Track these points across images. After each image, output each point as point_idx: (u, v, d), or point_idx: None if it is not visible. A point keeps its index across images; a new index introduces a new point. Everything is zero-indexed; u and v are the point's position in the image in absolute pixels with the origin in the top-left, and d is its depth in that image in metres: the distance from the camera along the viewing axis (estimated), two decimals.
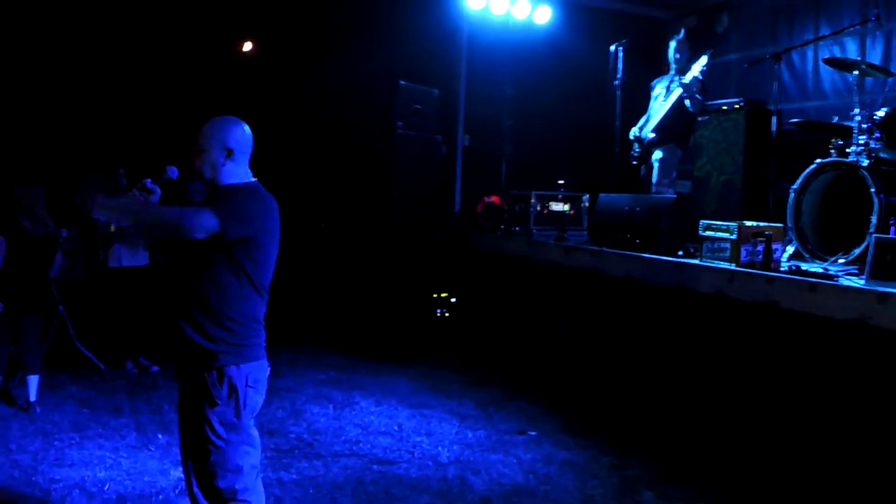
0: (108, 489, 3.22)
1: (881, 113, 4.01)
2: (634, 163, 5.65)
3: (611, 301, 4.54)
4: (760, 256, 3.74)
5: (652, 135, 5.51)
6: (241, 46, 7.81)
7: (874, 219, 3.66)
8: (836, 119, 4.57)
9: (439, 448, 3.79)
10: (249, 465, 2.20)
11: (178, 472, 3.26)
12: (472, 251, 6.17)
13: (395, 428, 4.08)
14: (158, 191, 2.24)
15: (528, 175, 6.42)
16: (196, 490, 2.24)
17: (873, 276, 3.20)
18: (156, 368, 5.03)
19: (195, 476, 2.23)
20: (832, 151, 4.15)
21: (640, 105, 5.78)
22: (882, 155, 3.95)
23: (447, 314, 5.84)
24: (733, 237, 3.78)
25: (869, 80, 5.10)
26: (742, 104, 5.00)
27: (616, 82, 5.54)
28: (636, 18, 7.24)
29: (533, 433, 4.01)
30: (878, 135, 3.96)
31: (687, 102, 5.26)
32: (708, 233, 3.94)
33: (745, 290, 3.61)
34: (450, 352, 5.67)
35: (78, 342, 4.90)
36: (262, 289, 2.25)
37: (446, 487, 3.33)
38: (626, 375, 4.33)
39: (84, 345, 4.91)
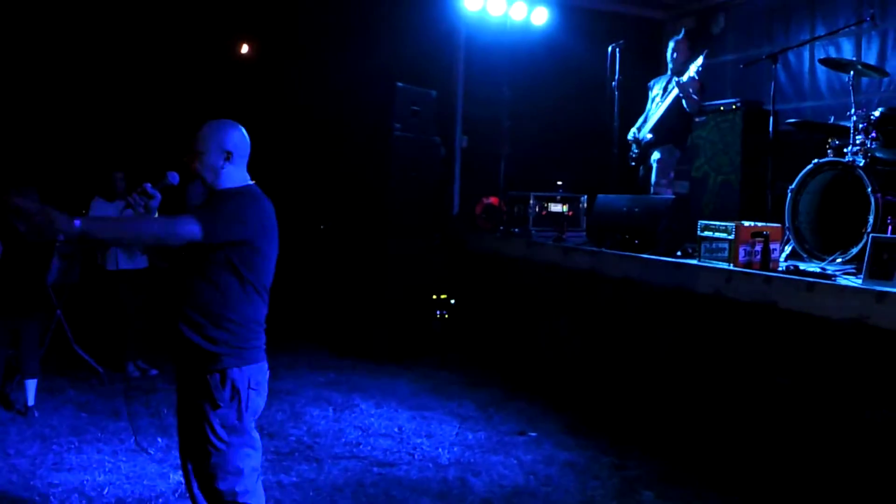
0: (106, 493, 3.21)
1: (877, 113, 4.03)
2: (633, 164, 5.67)
3: (610, 302, 4.55)
4: (758, 256, 3.75)
5: (650, 135, 5.52)
6: (239, 48, 7.81)
7: (871, 218, 3.68)
8: (832, 119, 4.59)
9: (439, 450, 3.79)
10: (250, 467, 2.20)
11: (177, 476, 3.25)
12: (471, 253, 6.17)
13: (396, 430, 4.07)
14: (159, 195, 2.23)
15: (527, 176, 6.43)
16: (196, 492, 2.24)
17: (871, 276, 3.22)
18: (154, 372, 5.02)
19: (196, 478, 2.22)
20: (829, 151, 4.17)
21: (638, 106, 5.79)
22: (878, 154, 3.97)
23: (446, 315, 5.84)
24: (731, 237, 3.79)
25: (865, 80, 5.13)
26: (739, 105, 5.03)
27: (613, 83, 5.55)
28: (633, 19, 7.26)
29: (533, 434, 4.02)
30: (874, 134, 3.98)
31: (684, 103, 5.28)
32: (706, 233, 3.95)
33: (743, 290, 3.62)
34: (449, 353, 5.67)
35: (76, 346, 4.89)
36: (263, 290, 2.25)
37: (447, 489, 3.33)
38: (626, 376, 4.33)
39: (82, 348, 4.90)
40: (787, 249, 4.13)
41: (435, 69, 6.45)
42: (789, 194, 4.10)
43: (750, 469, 3.44)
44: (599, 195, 5.25)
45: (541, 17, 6.66)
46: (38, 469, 3.43)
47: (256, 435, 2.25)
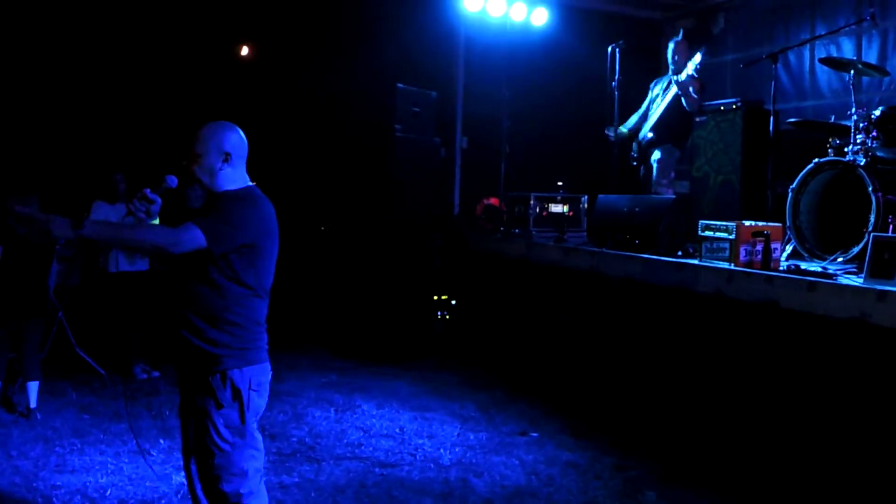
0: (109, 495, 3.21)
1: (878, 112, 4.03)
2: (634, 164, 5.67)
3: (611, 302, 4.55)
4: (759, 256, 3.75)
5: (650, 134, 5.52)
6: (240, 51, 7.82)
7: (872, 217, 3.67)
8: (833, 118, 4.59)
9: (441, 450, 3.79)
10: (254, 468, 2.20)
11: (179, 477, 3.26)
12: (472, 253, 6.17)
13: (397, 430, 4.08)
14: (159, 200, 2.23)
15: (527, 177, 6.43)
16: (200, 494, 2.24)
17: (872, 275, 3.22)
18: (156, 374, 5.02)
19: (199, 480, 2.23)
20: (830, 151, 4.17)
21: (638, 106, 5.80)
22: (879, 154, 3.97)
23: (447, 316, 5.85)
24: (732, 237, 3.79)
25: (865, 79, 5.13)
26: (739, 104, 5.02)
27: (613, 83, 5.56)
28: (633, 20, 7.27)
29: (535, 434, 4.02)
30: (875, 134, 3.98)
31: (683, 101, 5.28)
32: (707, 233, 3.95)
33: (744, 289, 3.62)
34: (450, 354, 5.67)
35: (78, 348, 4.89)
36: (264, 292, 2.25)
37: (448, 490, 3.33)
38: (627, 376, 4.33)
39: (84, 351, 4.91)
40: (788, 249, 4.12)
41: (435, 70, 6.46)
42: (790, 194, 4.10)
43: (751, 469, 3.43)
44: (600, 195, 5.26)
45: (540, 18, 6.66)
46: (41, 471, 3.44)
47: (259, 436, 2.25)
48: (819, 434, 3.21)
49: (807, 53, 6.07)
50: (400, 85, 5.73)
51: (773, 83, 4.38)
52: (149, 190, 2.24)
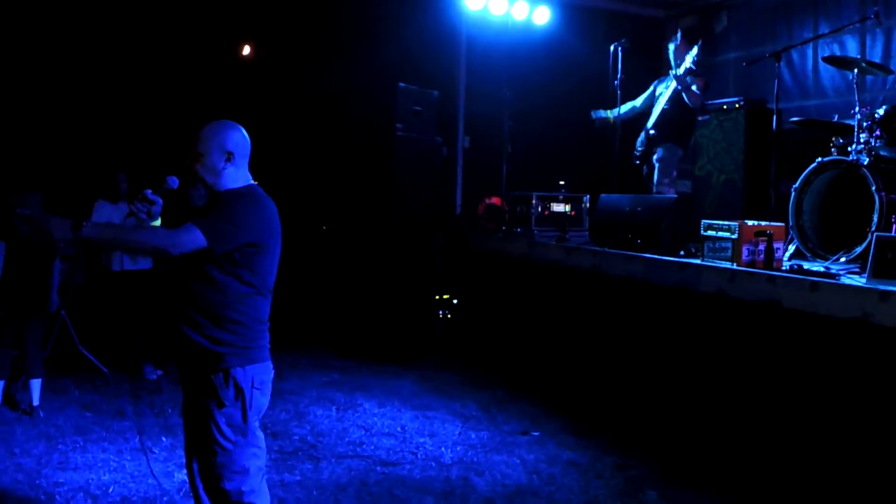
0: (112, 492, 3.22)
1: (881, 111, 4.01)
2: (637, 163, 5.66)
3: (612, 301, 4.54)
4: (762, 255, 3.74)
5: (652, 132, 5.51)
6: (242, 50, 7.83)
7: (875, 217, 3.66)
8: (836, 117, 4.58)
9: (443, 449, 3.80)
10: (256, 467, 2.20)
11: (182, 475, 3.27)
12: (474, 252, 6.17)
13: (399, 429, 4.08)
14: (160, 201, 2.24)
15: (529, 176, 6.42)
16: (202, 492, 2.24)
17: (875, 275, 3.21)
18: (159, 372, 5.04)
19: (201, 478, 2.23)
20: (833, 150, 4.16)
21: (643, 110, 5.78)
22: (883, 153, 3.95)
23: (449, 316, 5.85)
24: (735, 236, 3.78)
25: (869, 78, 5.12)
26: (742, 103, 5.01)
27: (616, 82, 5.55)
28: (635, 18, 7.25)
29: (536, 434, 4.02)
30: (878, 133, 3.97)
31: (684, 96, 5.27)
32: (709, 232, 3.94)
33: (746, 289, 3.61)
34: (452, 353, 5.67)
35: (81, 346, 4.91)
36: (266, 290, 2.25)
37: (450, 488, 3.34)
38: (629, 375, 4.33)
39: (87, 349, 4.92)
40: (791, 248, 4.11)
41: (437, 69, 6.46)
42: (793, 193, 4.09)
43: (753, 469, 3.43)
44: (602, 195, 5.25)
45: (542, 17, 6.65)
46: (44, 468, 3.45)
47: (261, 434, 2.25)
48: (821, 434, 3.21)
49: (810, 52, 6.05)
50: (401, 84, 5.73)
51: (776, 82, 4.37)
52: (150, 191, 2.24)
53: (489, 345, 5.68)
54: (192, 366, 2.21)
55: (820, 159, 4.04)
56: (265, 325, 2.27)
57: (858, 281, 3.31)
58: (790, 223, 4.07)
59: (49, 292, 4.31)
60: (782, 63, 4.58)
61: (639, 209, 4.79)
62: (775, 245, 3.74)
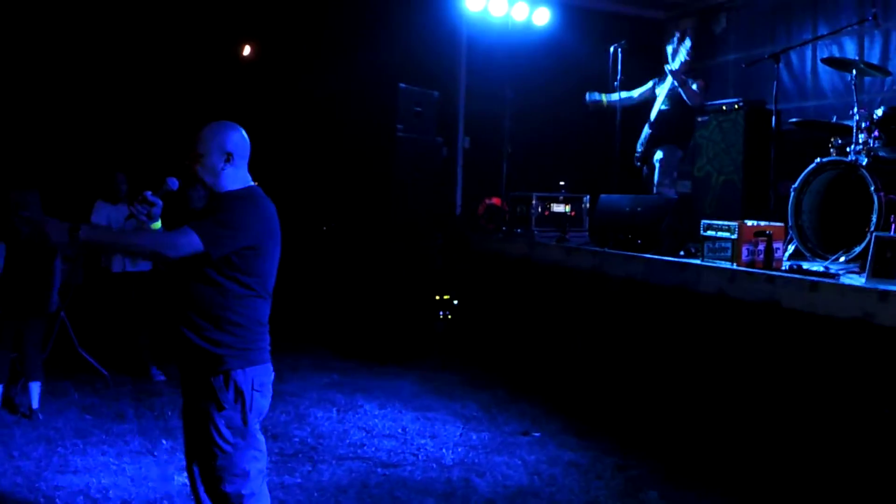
0: (111, 495, 3.22)
1: (880, 112, 4.02)
2: (637, 164, 5.67)
3: (613, 302, 4.55)
4: (762, 256, 3.74)
5: (649, 130, 5.52)
6: (242, 50, 7.83)
7: (874, 217, 3.67)
8: (835, 118, 4.59)
9: (443, 450, 3.79)
10: (256, 469, 2.20)
11: (182, 478, 3.26)
12: (474, 253, 6.17)
13: (399, 430, 4.08)
14: (160, 203, 2.23)
15: (529, 176, 6.42)
16: (202, 495, 2.24)
17: (874, 275, 3.21)
18: (164, 375, 5.02)
19: (202, 481, 2.23)
20: (832, 150, 4.17)
21: (639, 106, 5.79)
22: (881, 154, 3.96)
23: (449, 316, 5.84)
24: (734, 237, 3.78)
25: (867, 79, 5.12)
26: (741, 104, 5.02)
27: (616, 83, 5.56)
28: (635, 20, 7.25)
29: (537, 434, 4.02)
30: (877, 133, 3.98)
31: (681, 93, 5.27)
32: (709, 233, 3.95)
33: (746, 289, 3.61)
34: (452, 354, 5.67)
35: (80, 349, 4.90)
36: (266, 292, 2.25)
37: (451, 489, 3.34)
38: (629, 376, 4.33)
39: (86, 351, 4.91)
40: (791, 248, 4.12)
41: (437, 70, 6.46)
42: (792, 193, 4.09)
43: (754, 469, 3.43)
44: (602, 195, 5.25)
45: (542, 18, 6.66)
46: (44, 471, 3.44)
47: (261, 437, 2.25)
48: (821, 434, 3.21)
49: (809, 53, 6.06)
50: (402, 85, 5.73)
51: (775, 83, 4.38)
52: (150, 193, 2.23)
53: (489, 345, 5.68)
54: (191, 368, 2.20)
55: (819, 160, 4.05)
56: (265, 327, 2.26)
57: (858, 281, 3.31)
58: (789, 223, 4.07)
59: (49, 293, 4.31)
60: (781, 64, 4.59)
61: (639, 209, 4.79)
62: (775, 245, 3.75)
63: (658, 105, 5.50)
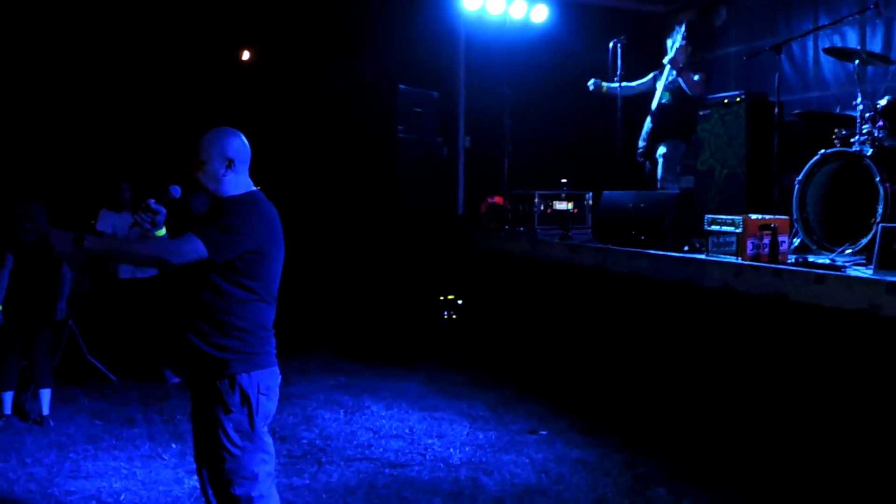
0: (123, 499, 3.25)
1: (883, 101, 4.00)
2: (640, 160, 5.65)
3: (617, 298, 4.54)
4: (767, 249, 3.73)
5: (649, 125, 5.50)
6: (242, 55, 7.86)
7: (880, 208, 3.65)
8: (838, 109, 4.56)
9: (451, 450, 3.80)
10: (265, 472, 2.21)
11: (192, 481, 3.28)
12: (477, 252, 6.17)
13: (407, 431, 4.09)
14: (163, 210, 2.25)
15: (531, 174, 6.42)
16: (212, 498, 2.25)
17: (881, 266, 3.19)
18: (179, 378, 5.05)
19: (211, 484, 2.24)
20: (836, 141, 4.14)
21: (640, 100, 5.77)
22: (886, 143, 3.93)
23: (454, 316, 5.85)
24: (739, 231, 3.77)
25: (870, 68, 5.08)
26: (743, 97, 5.00)
27: (615, 79, 5.54)
28: (634, 14, 7.23)
29: (544, 433, 4.02)
30: (881, 123, 3.95)
31: (681, 83, 5.25)
32: (713, 227, 3.93)
33: (752, 283, 3.60)
34: (458, 354, 5.68)
35: (89, 355, 4.93)
36: (270, 296, 2.26)
37: (459, 489, 3.34)
38: (635, 372, 4.32)
39: (95, 357, 4.95)
40: (796, 241, 4.10)
41: (436, 70, 6.47)
42: (797, 185, 4.07)
43: (761, 464, 3.42)
44: (604, 192, 5.24)
45: (540, 15, 6.65)
46: (56, 477, 3.47)
47: (269, 440, 2.26)
48: (829, 428, 3.20)
49: (810, 44, 6.02)
50: (401, 86, 5.74)
51: (776, 75, 4.35)
52: (153, 201, 2.25)
53: (495, 344, 5.68)
54: (198, 373, 2.22)
55: (823, 151, 4.03)
56: (270, 332, 2.27)
57: (864, 272, 3.29)
58: (794, 216, 4.05)
59: (56, 300, 4.34)
60: (783, 56, 4.57)
61: (642, 205, 4.78)
62: (780, 238, 3.73)
63: (658, 98, 5.48)
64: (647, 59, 5.91)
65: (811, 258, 3.74)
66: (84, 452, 3.78)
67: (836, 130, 4.20)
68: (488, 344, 5.74)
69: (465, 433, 4.05)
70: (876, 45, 5.54)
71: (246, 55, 7.85)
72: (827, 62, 5.87)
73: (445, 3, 6.40)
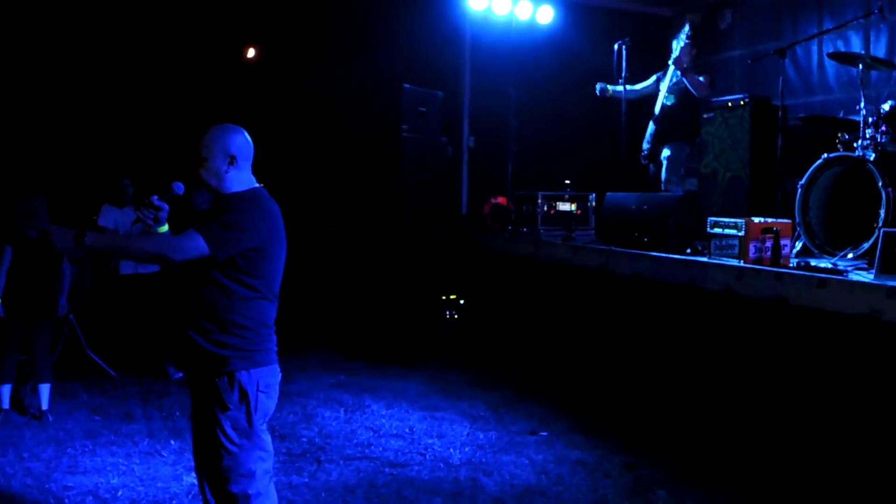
0: (121, 495, 3.24)
1: (886, 106, 4.00)
2: (644, 162, 5.64)
3: (619, 300, 4.53)
4: (769, 253, 3.72)
5: (652, 126, 5.50)
6: (246, 53, 7.86)
7: (882, 212, 3.64)
8: (841, 113, 4.55)
9: (451, 450, 3.80)
10: (262, 470, 2.21)
11: (190, 478, 3.28)
12: (480, 253, 6.17)
13: (407, 430, 4.08)
14: (166, 207, 2.25)
15: (535, 175, 6.42)
16: (209, 495, 2.25)
17: (883, 271, 3.19)
18: (181, 374, 5.05)
19: (208, 481, 2.24)
20: (839, 146, 4.14)
21: (644, 102, 5.77)
22: (889, 148, 3.93)
23: (456, 316, 5.85)
24: (741, 234, 3.76)
25: (874, 73, 5.08)
26: (747, 100, 4.99)
27: (620, 80, 5.54)
28: (639, 16, 7.23)
29: (544, 433, 4.01)
30: (884, 128, 3.95)
31: (686, 83, 5.25)
32: (716, 230, 3.93)
33: (754, 286, 3.59)
34: (459, 354, 5.67)
35: (89, 350, 4.93)
36: (272, 294, 2.26)
37: (458, 489, 3.34)
38: (636, 374, 4.32)
39: (95, 352, 4.95)
40: (798, 245, 4.10)
41: (441, 70, 6.47)
42: (799, 189, 4.07)
43: (762, 467, 3.41)
44: (608, 193, 5.24)
45: (546, 16, 6.65)
46: (53, 472, 3.47)
47: (268, 437, 2.26)
48: (830, 432, 3.19)
49: (815, 48, 6.02)
50: (406, 85, 5.74)
51: (781, 78, 4.35)
52: (156, 197, 2.25)
53: (496, 345, 5.68)
54: (197, 369, 2.21)
55: (826, 155, 4.02)
56: (271, 329, 2.27)
57: (866, 277, 3.29)
58: (797, 220, 4.05)
59: (56, 295, 4.34)
60: (787, 60, 4.56)
61: (645, 207, 4.77)
62: (782, 242, 3.72)
63: (662, 100, 5.48)
64: (652, 61, 5.90)
65: (813, 262, 3.74)
66: (82, 448, 3.78)
67: (839, 135, 4.20)
68: (490, 344, 5.74)
69: (465, 433, 4.04)
70: (880, 50, 5.54)
71: (250, 53, 7.86)
72: (831, 66, 5.87)
73: (451, 2, 6.41)
